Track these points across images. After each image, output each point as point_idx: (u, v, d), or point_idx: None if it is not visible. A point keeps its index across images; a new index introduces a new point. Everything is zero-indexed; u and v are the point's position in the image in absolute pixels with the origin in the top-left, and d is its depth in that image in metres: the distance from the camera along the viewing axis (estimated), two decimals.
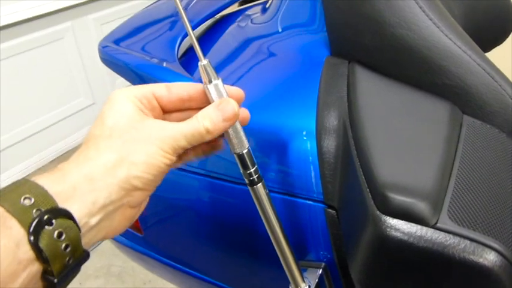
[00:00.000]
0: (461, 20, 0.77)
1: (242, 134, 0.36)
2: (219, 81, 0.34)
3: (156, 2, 0.85)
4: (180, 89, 0.35)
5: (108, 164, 0.29)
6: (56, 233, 0.25)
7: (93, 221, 0.29)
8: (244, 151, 0.37)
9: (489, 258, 0.31)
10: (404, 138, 0.39)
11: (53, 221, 0.25)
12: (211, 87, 0.34)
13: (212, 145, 0.38)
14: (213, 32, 0.74)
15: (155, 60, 0.63)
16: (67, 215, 0.26)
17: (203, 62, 0.34)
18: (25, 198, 0.25)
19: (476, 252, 0.31)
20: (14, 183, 0.27)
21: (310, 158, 0.45)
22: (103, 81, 2.10)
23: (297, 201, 0.47)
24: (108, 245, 1.46)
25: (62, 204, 0.27)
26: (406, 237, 0.32)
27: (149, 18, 0.78)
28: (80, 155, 0.30)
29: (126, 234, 0.70)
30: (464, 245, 0.32)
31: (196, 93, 0.35)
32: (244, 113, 0.37)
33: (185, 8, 0.81)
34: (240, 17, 0.75)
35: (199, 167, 0.54)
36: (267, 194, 0.39)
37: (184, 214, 0.61)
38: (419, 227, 0.32)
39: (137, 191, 0.31)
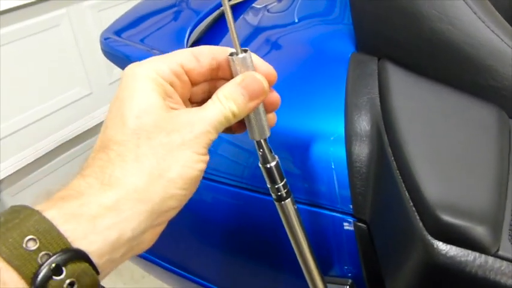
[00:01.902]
0: (506, 13, 0.72)
1: (264, 119, 0.30)
2: (247, 54, 0.28)
3: None
4: (208, 57, 0.29)
5: (138, 187, 0.24)
6: (66, 284, 0.20)
7: (118, 254, 0.24)
8: (273, 164, 0.33)
9: None
10: (450, 147, 0.35)
11: (63, 268, 0.20)
12: (237, 59, 0.28)
13: (231, 128, 0.31)
14: (222, 23, 0.69)
15: (159, 53, 0.58)
16: (83, 257, 0.21)
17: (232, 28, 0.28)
18: (29, 240, 0.20)
19: None
20: (16, 214, 0.21)
21: (339, 166, 0.41)
22: (100, 71, 2.03)
23: (324, 213, 0.43)
24: None
25: (78, 242, 0.21)
26: (462, 266, 0.28)
27: (152, 8, 0.72)
28: (102, 171, 0.24)
29: None
30: None
31: (225, 61, 0.29)
32: (273, 96, 0.31)
33: None
34: (253, 6, 0.70)
35: (213, 173, 0.49)
36: (296, 210, 0.35)
37: (194, 220, 0.57)
38: (477, 254, 0.28)
39: (171, 211, 0.26)
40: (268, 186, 0.34)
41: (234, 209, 0.50)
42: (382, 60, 0.45)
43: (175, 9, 0.72)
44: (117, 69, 0.70)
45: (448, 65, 0.41)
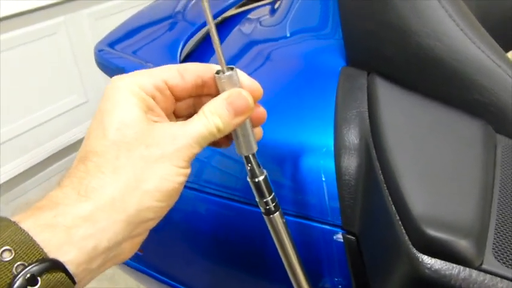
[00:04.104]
0: (495, 27, 0.73)
1: (251, 134, 0.31)
2: (233, 72, 0.29)
3: (152, 2, 0.80)
4: (193, 74, 0.29)
5: (115, 198, 0.24)
6: None
7: (95, 264, 0.24)
8: (261, 178, 0.33)
9: None
10: (436, 162, 0.35)
11: (38, 278, 0.21)
12: (223, 77, 0.29)
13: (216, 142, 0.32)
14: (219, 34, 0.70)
15: (152, 66, 0.59)
16: (58, 267, 0.22)
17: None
18: (4, 251, 0.20)
19: None
20: None
21: (328, 178, 0.42)
22: (97, 79, 2.04)
23: (313, 225, 0.43)
24: None
25: (53, 253, 0.22)
26: (446, 279, 0.29)
27: (146, 20, 0.73)
28: (79, 182, 0.25)
29: None
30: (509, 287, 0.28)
31: (211, 79, 0.30)
32: (259, 111, 0.31)
33: (185, 9, 0.77)
34: (246, 19, 0.71)
35: (206, 185, 0.50)
36: (284, 223, 0.36)
37: (185, 232, 0.57)
38: (461, 268, 0.29)
39: (149, 222, 0.27)
40: (257, 200, 0.34)
41: (225, 220, 0.50)
42: (371, 74, 0.46)
43: (169, 21, 0.73)
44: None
45: (435, 80, 0.42)
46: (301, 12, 0.61)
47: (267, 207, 0.34)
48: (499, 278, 0.28)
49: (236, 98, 0.28)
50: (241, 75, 0.30)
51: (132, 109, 0.26)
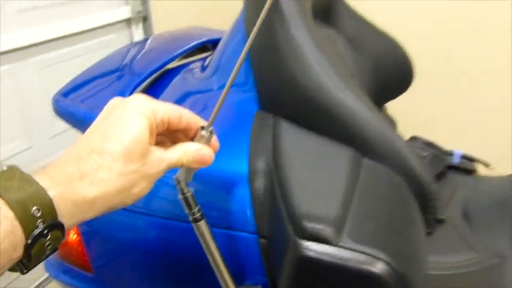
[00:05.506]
0: (371, 75, 0.93)
1: (194, 171, 0.43)
2: (212, 135, 0.40)
3: (104, 56, 0.92)
4: (187, 120, 0.39)
5: (115, 192, 0.33)
6: (47, 243, 0.30)
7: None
8: (189, 194, 0.45)
9: (378, 266, 0.42)
10: (316, 177, 0.50)
11: (49, 233, 0.30)
12: (204, 133, 0.40)
13: None
14: (158, 85, 0.83)
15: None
16: (61, 228, 0.31)
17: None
18: (35, 210, 0.29)
19: (368, 263, 0.42)
20: (31, 184, 0.30)
21: (245, 197, 0.55)
22: (42, 125, 2.06)
23: (236, 234, 0.55)
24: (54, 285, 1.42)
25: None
26: (317, 255, 0.42)
27: (99, 71, 0.85)
28: (92, 170, 0.32)
29: (75, 275, 0.74)
30: (360, 257, 0.42)
31: (195, 127, 0.40)
32: (215, 146, 0.42)
33: (131, 62, 0.90)
34: (185, 71, 0.85)
35: (147, 207, 0.61)
36: (209, 229, 0.48)
37: (134, 253, 0.66)
38: (326, 246, 0.42)
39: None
40: (186, 212, 0.46)
41: (169, 238, 0.61)
42: (275, 116, 0.61)
43: (119, 73, 0.85)
44: (59, 123, 0.80)
45: (318, 121, 0.57)
46: (227, 68, 0.76)
47: (194, 216, 0.46)
48: (349, 251, 0.42)
49: (204, 154, 0.39)
50: (214, 137, 0.41)
51: (144, 130, 0.35)
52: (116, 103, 0.37)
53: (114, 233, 0.66)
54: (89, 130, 0.36)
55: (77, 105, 0.74)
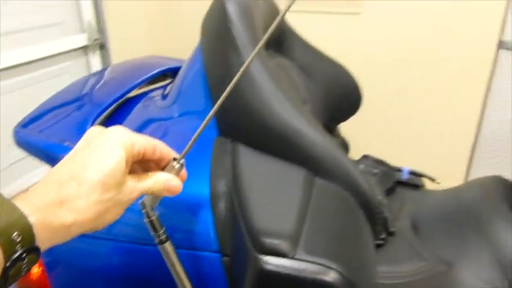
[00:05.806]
0: (322, 101, 1.00)
1: (160, 198, 0.46)
2: (182, 167, 0.44)
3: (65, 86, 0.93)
4: (160, 152, 0.42)
5: (90, 218, 0.36)
6: (23, 266, 0.32)
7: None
8: (154, 217, 0.48)
9: (331, 275, 0.46)
10: (272, 197, 0.54)
11: (26, 257, 0.32)
12: (176, 164, 0.43)
13: None
14: (120, 113, 0.85)
15: (64, 142, 0.71)
16: (37, 252, 0.33)
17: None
18: (15, 235, 0.31)
19: (321, 272, 0.46)
20: (14, 211, 0.32)
21: (208, 218, 0.58)
22: None
23: (200, 254, 0.58)
24: None
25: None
26: (275, 268, 0.46)
27: (59, 102, 0.86)
28: (67, 195, 0.34)
29: None
30: (314, 268, 0.46)
31: (167, 158, 0.43)
32: (184, 175, 0.46)
33: (91, 91, 0.92)
34: (146, 99, 0.88)
35: (108, 232, 0.62)
36: (174, 250, 0.50)
37: (98, 278, 0.67)
38: (284, 259, 0.46)
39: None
40: (152, 234, 0.49)
41: (134, 261, 0.62)
42: (234, 142, 0.65)
43: (79, 102, 0.86)
44: (16, 150, 0.81)
45: (273, 145, 0.62)
46: (187, 97, 0.80)
47: (160, 238, 0.49)
48: (304, 262, 0.46)
49: (174, 184, 0.43)
50: (184, 169, 0.45)
51: (121, 161, 0.37)
52: (96, 132, 0.40)
53: (77, 261, 0.66)
54: (70, 155, 0.39)
55: (37, 136, 0.75)
